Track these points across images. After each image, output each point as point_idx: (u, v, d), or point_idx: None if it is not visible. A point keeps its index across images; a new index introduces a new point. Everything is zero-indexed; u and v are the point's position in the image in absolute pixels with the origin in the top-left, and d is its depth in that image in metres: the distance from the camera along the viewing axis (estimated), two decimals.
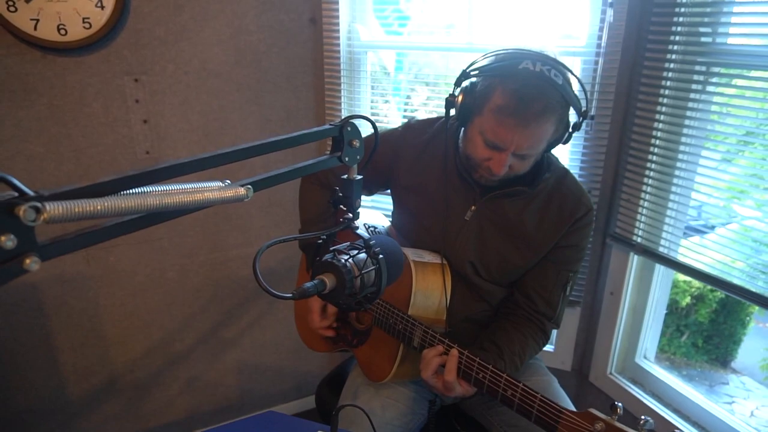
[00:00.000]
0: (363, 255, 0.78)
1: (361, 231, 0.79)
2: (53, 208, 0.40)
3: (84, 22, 1.54)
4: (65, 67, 1.59)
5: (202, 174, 0.55)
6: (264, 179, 0.58)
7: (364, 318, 1.34)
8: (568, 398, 1.30)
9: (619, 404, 0.87)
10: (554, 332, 1.81)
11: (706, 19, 1.34)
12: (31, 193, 0.41)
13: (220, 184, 0.57)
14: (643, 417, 0.85)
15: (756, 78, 1.31)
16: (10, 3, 1.45)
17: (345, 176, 0.76)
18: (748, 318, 5.61)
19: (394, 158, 1.30)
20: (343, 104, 1.93)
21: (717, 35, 1.34)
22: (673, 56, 1.41)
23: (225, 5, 1.72)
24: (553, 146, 1.14)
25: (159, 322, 1.97)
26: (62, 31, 1.53)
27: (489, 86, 1.06)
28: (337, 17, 1.82)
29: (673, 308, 5.42)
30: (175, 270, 1.92)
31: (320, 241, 0.82)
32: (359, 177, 0.76)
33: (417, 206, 1.28)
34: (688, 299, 5.44)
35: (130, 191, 0.47)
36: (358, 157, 0.74)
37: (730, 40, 1.33)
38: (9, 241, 0.39)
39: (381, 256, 0.76)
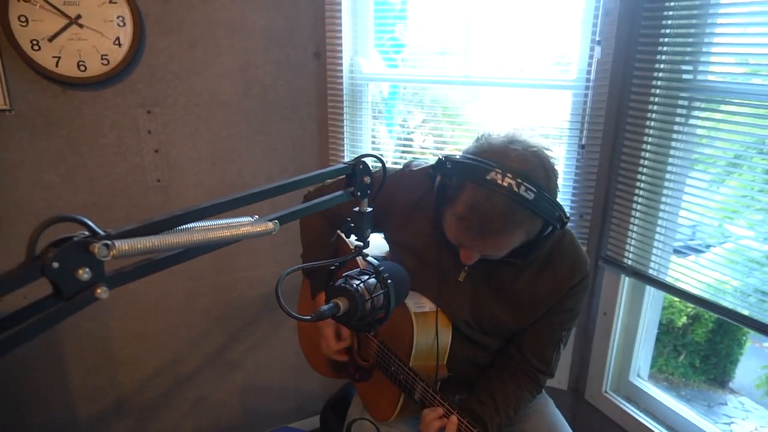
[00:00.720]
0: (372, 280, 0.85)
1: (371, 258, 0.87)
2: (121, 245, 0.48)
3: (102, 59, 1.63)
4: (83, 100, 1.67)
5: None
6: (288, 214, 0.66)
7: (368, 355, 1.37)
8: (564, 420, 1.36)
9: None
10: None
11: (687, 57, 1.44)
12: (101, 232, 0.48)
13: (250, 219, 0.65)
14: None
15: (735, 113, 1.40)
16: (34, 42, 1.55)
17: (357, 209, 0.84)
18: (744, 337, 5.66)
19: (388, 202, 1.27)
20: (345, 134, 2.02)
21: (698, 72, 1.44)
22: (658, 90, 1.51)
23: (235, 41, 1.82)
24: (536, 239, 1.08)
25: (167, 343, 2.02)
26: (82, 68, 1.62)
27: (457, 187, 1.03)
28: (341, 52, 1.92)
29: (669, 328, 5.47)
30: (183, 293, 1.98)
31: (332, 268, 0.89)
32: (369, 209, 0.84)
33: (412, 266, 1.22)
34: (684, 319, 5.49)
35: (178, 228, 0.55)
36: (368, 191, 0.82)
37: (710, 77, 1.43)
38: (85, 274, 0.47)
39: (390, 281, 0.84)
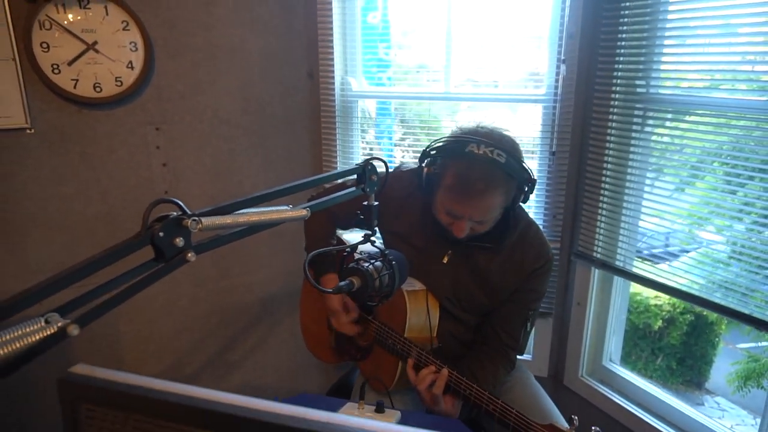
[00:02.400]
0: (379, 263, 1.02)
1: (378, 244, 1.03)
2: (206, 221, 0.63)
3: (116, 81, 1.78)
4: (97, 119, 1.81)
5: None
6: (317, 203, 0.82)
7: (366, 336, 1.55)
8: (544, 393, 1.53)
9: (575, 417, 1.08)
10: (532, 342, 2.06)
11: (640, 74, 1.65)
12: (189, 212, 0.64)
13: (286, 207, 0.81)
14: (594, 428, 1.04)
15: (683, 120, 1.61)
16: (55, 66, 1.69)
17: (366, 203, 1.00)
18: (717, 339, 5.92)
19: (382, 199, 1.41)
20: (338, 147, 2.19)
21: (650, 86, 1.65)
22: (616, 102, 1.71)
23: (235, 62, 1.98)
24: (512, 208, 1.32)
25: (171, 346, 2.14)
26: (98, 89, 1.76)
27: (442, 166, 1.28)
28: (332, 71, 2.10)
29: (647, 332, 5.71)
30: (187, 298, 2.11)
31: (345, 253, 1.06)
32: (376, 203, 1.01)
33: (404, 250, 1.35)
34: (660, 322, 5.73)
35: (239, 211, 0.70)
36: (375, 188, 0.99)
37: (661, 90, 1.64)
38: (180, 242, 0.62)
39: (394, 262, 1.00)
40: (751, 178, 1.45)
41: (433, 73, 2.09)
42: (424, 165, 1.33)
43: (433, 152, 1.29)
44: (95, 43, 1.73)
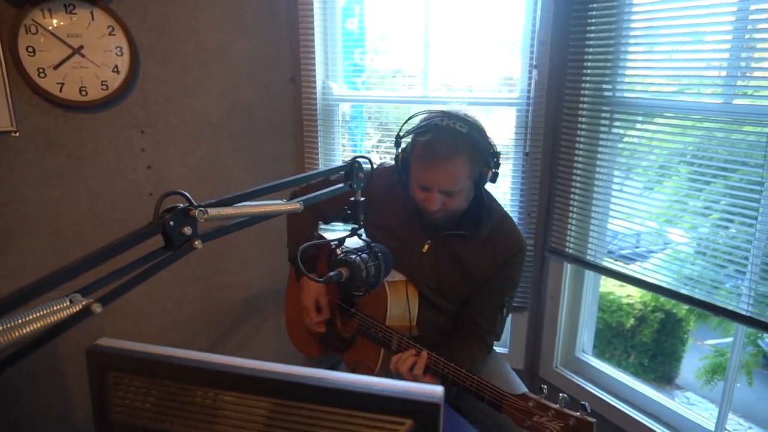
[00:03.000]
0: (365, 255, 1.08)
1: (365, 237, 1.10)
2: (212, 211, 0.69)
3: (102, 85, 1.82)
4: (83, 122, 1.84)
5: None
6: (309, 198, 0.89)
7: (349, 328, 1.62)
8: (518, 378, 1.62)
9: (545, 386, 1.15)
10: (507, 336, 2.15)
11: (606, 78, 1.76)
12: (195, 203, 0.69)
13: (281, 201, 0.87)
14: (561, 394, 1.12)
15: (647, 122, 1.72)
16: (41, 70, 1.72)
17: (353, 198, 1.07)
18: (686, 335, 6.13)
19: (365, 195, 1.56)
20: (320, 149, 2.25)
21: (616, 90, 1.76)
22: (585, 105, 1.82)
23: (222, 68, 2.03)
24: (480, 185, 1.41)
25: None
26: (83, 92, 1.79)
27: (412, 142, 1.39)
28: (314, 76, 2.17)
29: (619, 330, 5.87)
30: (173, 299, 2.14)
31: (333, 246, 1.12)
32: (363, 198, 1.08)
33: (386, 242, 1.43)
34: (632, 321, 5.91)
35: (241, 204, 0.76)
36: (362, 185, 1.05)
37: (626, 94, 1.75)
38: (188, 230, 0.68)
39: (380, 254, 1.07)
40: (714, 176, 1.56)
41: (409, 78, 2.17)
42: (398, 150, 1.43)
43: (402, 134, 1.40)
44: (81, 47, 1.76)
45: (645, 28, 1.68)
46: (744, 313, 1.49)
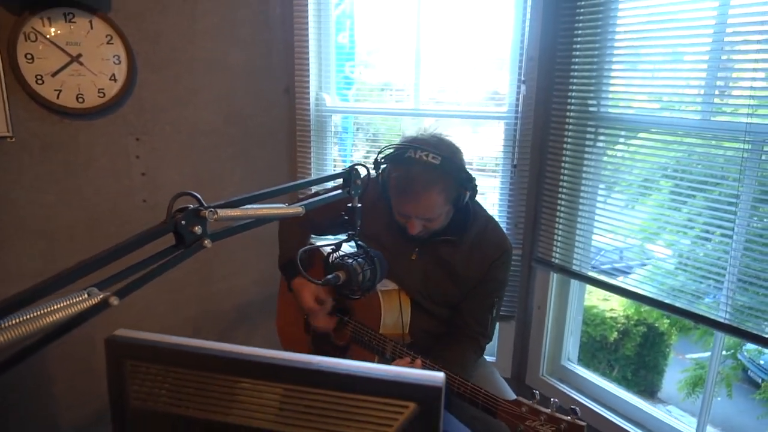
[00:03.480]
0: (361, 260, 1.12)
1: (360, 242, 1.13)
2: (221, 212, 0.73)
3: (99, 92, 1.84)
4: (78, 128, 1.86)
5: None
6: (311, 202, 0.92)
7: (342, 336, 1.63)
8: (507, 385, 1.65)
9: (537, 391, 1.20)
10: (495, 344, 2.18)
11: (591, 94, 1.82)
12: (205, 204, 0.73)
13: (284, 205, 0.91)
14: (552, 399, 1.16)
15: (630, 136, 1.79)
16: (39, 77, 1.74)
17: (349, 205, 1.11)
18: (668, 349, 6.22)
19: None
20: (312, 158, 2.29)
21: (600, 106, 1.83)
22: (571, 120, 1.88)
23: (217, 77, 2.07)
24: (460, 203, 1.43)
25: None
26: (80, 99, 1.81)
27: (387, 172, 1.43)
28: (308, 88, 2.21)
29: (603, 344, 5.95)
30: (166, 304, 2.15)
31: (330, 250, 1.15)
32: (359, 205, 1.11)
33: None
34: (615, 334, 5.99)
35: (247, 206, 0.80)
36: (359, 191, 1.09)
37: (610, 109, 1.82)
38: (198, 229, 0.71)
39: (375, 258, 1.11)
40: (694, 192, 1.62)
41: (397, 92, 2.23)
42: (378, 172, 1.47)
43: (380, 159, 1.44)
44: (79, 55, 1.78)
45: (628, 47, 1.75)
46: (723, 321, 1.55)
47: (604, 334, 5.99)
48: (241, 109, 2.15)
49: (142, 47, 1.90)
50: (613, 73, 1.79)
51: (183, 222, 0.70)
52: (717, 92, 1.60)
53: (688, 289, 1.64)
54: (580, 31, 1.81)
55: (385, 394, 0.50)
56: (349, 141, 2.42)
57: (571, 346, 2.14)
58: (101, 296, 0.59)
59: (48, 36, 1.73)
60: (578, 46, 1.83)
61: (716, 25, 1.54)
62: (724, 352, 5.25)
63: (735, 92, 1.61)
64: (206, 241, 0.72)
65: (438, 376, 0.50)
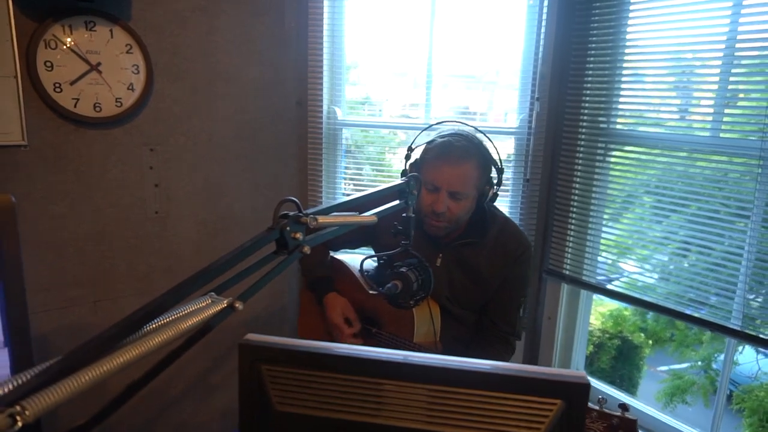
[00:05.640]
0: (415, 269, 1.14)
1: (414, 252, 1.15)
2: (320, 218, 0.74)
3: (116, 102, 1.81)
4: (93, 138, 1.83)
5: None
6: (379, 211, 0.94)
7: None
8: None
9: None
10: None
11: (602, 111, 1.90)
12: (303, 210, 0.74)
13: (357, 213, 0.92)
14: (599, 396, 1.19)
15: (636, 152, 1.87)
16: (57, 85, 1.70)
17: (405, 214, 1.13)
18: (641, 362, 6.38)
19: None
20: (323, 171, 2.30)
21: (610, 123, 1.90)
22: (582, 136, 1.95)
23: (230, 89, 2.06)
24: (483, 196, 1.50)
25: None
26: (97, 108, 1.79)
27: (424, 150, 1.50)
28: (321, 101, 2.23)
29: None
30: None
31: (381, 262, 1.17)
32: (413, 215, 1.13)
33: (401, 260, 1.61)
34: (591, 348, 6.11)
35: (335, 213, 0.81)
36: (414, 202, 1.11)
37: (619, 126, 1.90)
38: (300, 236, 0.72)
39: (429, 269, 1.13)
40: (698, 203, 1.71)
41: (414, 107, 2.27)
42: (407, 163, 1.51)
43: (413, 147, 1.50)
44: (99, 64, 1.76)
45: (639, 66, 1.84)
46: (732, 327, 1.63)
47: None
48: (254, 121, 2.15)
49: (161, 58, 1.89)
50: (623, 91, 1.87)
51: (288, 228, 0.70)
52: (726, 110, 1.69)
53: (700, 297, 1.72)
54: (593, 52, 1.89)
55: (532, 392, 0.51)
56: (351, 155, 2.44)
57: (580, 355, 2.19)
58: (226, 302, 0.59)
59: (69, 44, 1.71)
60: (591, 66, 1.90)
61: (725, 49, 1.63)
62: (699, 363, 5.43)
63: (747, 111, 1.70)
64: (306, 248, 0.73)
65: (581, 374, 0.52)
